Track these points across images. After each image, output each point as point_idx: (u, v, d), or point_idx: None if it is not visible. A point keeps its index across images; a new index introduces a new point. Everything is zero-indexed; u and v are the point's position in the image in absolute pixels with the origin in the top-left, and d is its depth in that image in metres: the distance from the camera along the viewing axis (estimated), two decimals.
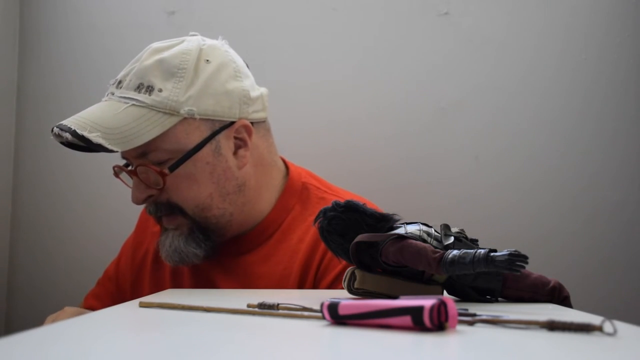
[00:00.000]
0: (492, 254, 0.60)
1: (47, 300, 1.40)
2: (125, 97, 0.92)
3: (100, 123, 0.89)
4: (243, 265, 0.99)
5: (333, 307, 0.51)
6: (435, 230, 0.69)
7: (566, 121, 1.32)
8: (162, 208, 0.95)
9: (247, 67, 1.01)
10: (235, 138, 0.96)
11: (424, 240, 0.67)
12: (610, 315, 0.48)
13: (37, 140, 1.43)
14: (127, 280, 1.10)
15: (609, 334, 0.45)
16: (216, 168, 0.95)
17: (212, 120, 0.93)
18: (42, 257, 1.43)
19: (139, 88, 0.92)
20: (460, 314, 0.51)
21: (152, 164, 0.92)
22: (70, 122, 0.90)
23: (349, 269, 0.69)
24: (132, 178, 0.95)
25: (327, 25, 1.39)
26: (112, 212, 1.41)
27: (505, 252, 0.60)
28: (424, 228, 0.68)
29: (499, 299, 0.71)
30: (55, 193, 1.43)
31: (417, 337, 0.45)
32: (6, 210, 1.42)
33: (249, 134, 0.96)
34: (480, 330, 0.49)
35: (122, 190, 1.40)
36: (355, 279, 0.68)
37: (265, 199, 1.01)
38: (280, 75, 1.25)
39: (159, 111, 0.91)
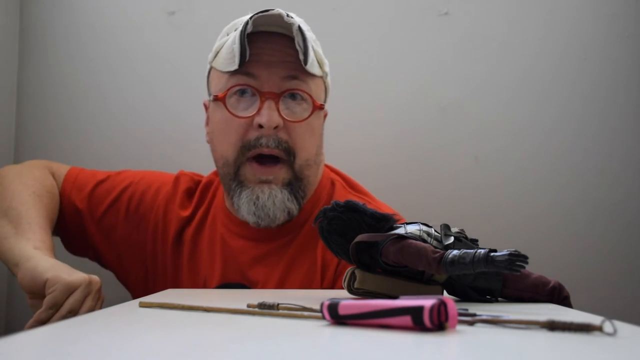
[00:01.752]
0: (492, 254, 0.60)
1: None
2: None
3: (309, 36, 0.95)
4: (275, 253, 0.98)
5: (333, 307, 0.51)
6: (435, 230, 0.69)
7: (566, 121, 1.32)
8: (280, 146, 0.93)
9: None
10: None
11: (424, 240, 0.67)
12: (610, 315, 0.48)
13: (37, 140, 1.43)
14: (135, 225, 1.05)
15: (609, 334, 0.45)
16: (322, 133, 1.01)
17: (325, 94, 1.02)
18: None
19: (311, 32, 0.98)
20: (460, 314, 0.51)
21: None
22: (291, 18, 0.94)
23: (349, 269, 0.69)
24: (269, 102, 0.93)
25: (327, 26, 1.39)
26: None
27: (505, 252, 0.60)
28: (424, 228, 0.68)
29: (499, 299, 0.71)
30: None
31: (417, 337, 0.45)
32: None
33: (324, 120, 1.03)
34: (480, 330, 0.49)
35: None
36: (355, 279, 0.68)
37: (314, 184, 1.01)
38: None
39: (317, 59, 0.96)
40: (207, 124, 1.03)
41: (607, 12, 1.32)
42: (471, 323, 0.51)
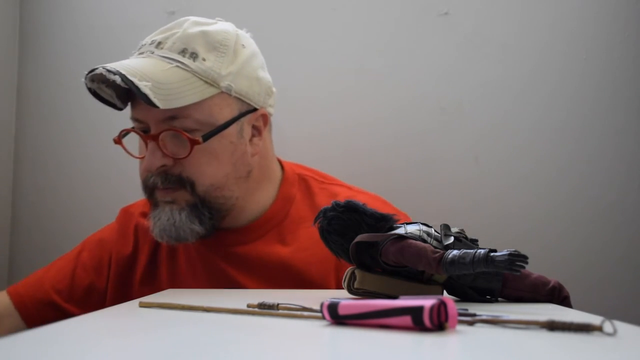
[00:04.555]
0: (492, 254, 0.60)
1: None
2: (169, 58, 0.91)
3: (149, 75, 0.88)
4: (255, 252, 0.99)
5: (333, 307, 0.51)
6: (435, 230, 0.69)
7: (566, 121, 1.32)
8: (171, 181, 0.93)
9: None
10: (253, 126, 0.98)
11: (424, 240, 0.67)
12: (610, 315, 0.48)
13: (37, 140, 1.43)
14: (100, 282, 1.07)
15: (609, 334, 0.45)
16: (237, 149, 0.95)
17: (243, 101, 0.96)
18: (42, 257, 1.42)
19: (183, 52, 0.92)
20: (460, 314, 0.51)
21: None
22: (117, 66, 0.88)
23: (349, 269, 0.69)
24: (147, 143, 0.93)
25: (327, 26, 1.39)
26: (111, 212, 1.40)
27: (505, 252, 0.60)
28: (424, 228, 0.68)
29: (499, 299, 0.71)
30: (55, 193, 1.43)
31: (417, 337, 0.45)
32: (6, 210, 1.42)
33: (265, 124, 0.99)
34: (480, 330, 0.49)
35: (121, 191, 1.40)
36: (355, 279, 0.68)
37: (265, 190, 1.02)
38: (278, 76, 1.24)
39: (201, 79, 0.91)
40: None
41: (607, 11, 1.32)
42: (471, 323, 0.51)
